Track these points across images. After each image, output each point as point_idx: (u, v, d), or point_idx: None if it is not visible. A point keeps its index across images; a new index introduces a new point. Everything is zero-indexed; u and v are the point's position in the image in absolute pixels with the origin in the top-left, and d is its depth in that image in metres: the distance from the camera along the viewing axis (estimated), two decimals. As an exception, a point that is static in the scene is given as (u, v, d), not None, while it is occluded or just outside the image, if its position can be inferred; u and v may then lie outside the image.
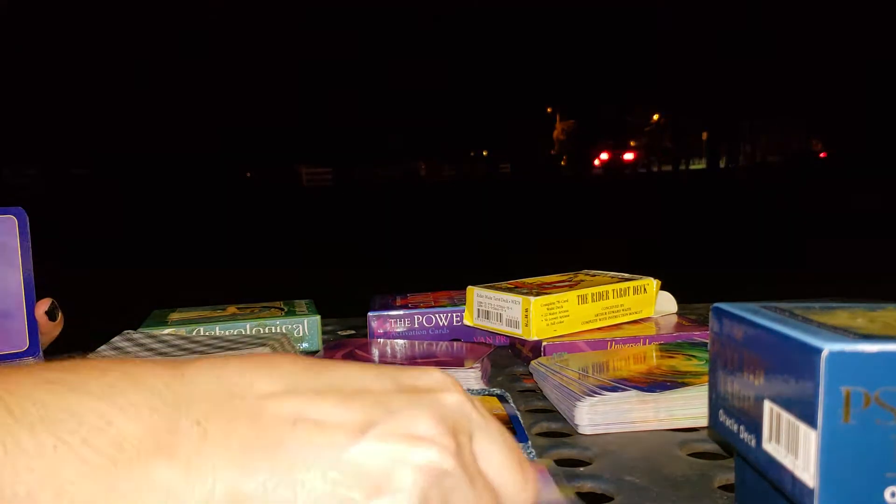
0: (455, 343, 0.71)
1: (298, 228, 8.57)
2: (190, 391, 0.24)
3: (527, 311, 0.65)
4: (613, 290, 0.70)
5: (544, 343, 0.65)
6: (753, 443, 0.32)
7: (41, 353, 0.58)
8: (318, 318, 0.75)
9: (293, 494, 0.22)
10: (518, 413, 0.53)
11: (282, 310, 0.78)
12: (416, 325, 0.76)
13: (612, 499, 0.41)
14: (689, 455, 0.46)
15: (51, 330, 0.59)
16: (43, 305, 0.58)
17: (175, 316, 0.76)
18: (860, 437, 0.26)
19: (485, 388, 0.60)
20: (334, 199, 14.34)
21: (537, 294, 0.66)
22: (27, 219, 0.57)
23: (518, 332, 0.66)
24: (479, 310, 0.70)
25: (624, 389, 0.50)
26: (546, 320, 0.65)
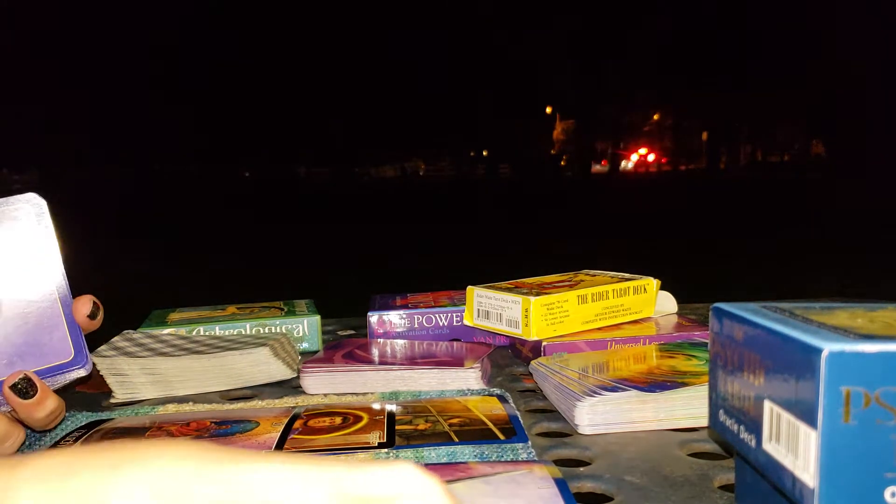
0: (455, 343, 0.71)
1: (298, 228, 8.57)
2: None
3: (527, 311, 0.65)
4: (613, 290, 0.70)
5: (544, 343, 0.65)
6: (753, 443, 0.32)
7: (89, 362, 0.49)
8: (317, 318, 0.75)
9: None
10: (518, 413, 0.53)
11: (282, 310, 0.78)
12: (416, 325, 0.76)
13: (612, 499, 0.41)
14: (689, 455, 0.46)
15: (89, 328, 0.50)
16: (84, 306, 0.49)
17: (175, 316, 0.76)
18: (860, 438, 0.26)
19: (485, 388, 0.60)
20: (333, 199, 14.35)
21: (537, 294, 0.66)
22: (45, 205, 0.48)
23: (518, 332, 0.66)
24: (479, 310, 0.70)
25: (624, 389, 0.50)
26: (546, 320, 0.65)
